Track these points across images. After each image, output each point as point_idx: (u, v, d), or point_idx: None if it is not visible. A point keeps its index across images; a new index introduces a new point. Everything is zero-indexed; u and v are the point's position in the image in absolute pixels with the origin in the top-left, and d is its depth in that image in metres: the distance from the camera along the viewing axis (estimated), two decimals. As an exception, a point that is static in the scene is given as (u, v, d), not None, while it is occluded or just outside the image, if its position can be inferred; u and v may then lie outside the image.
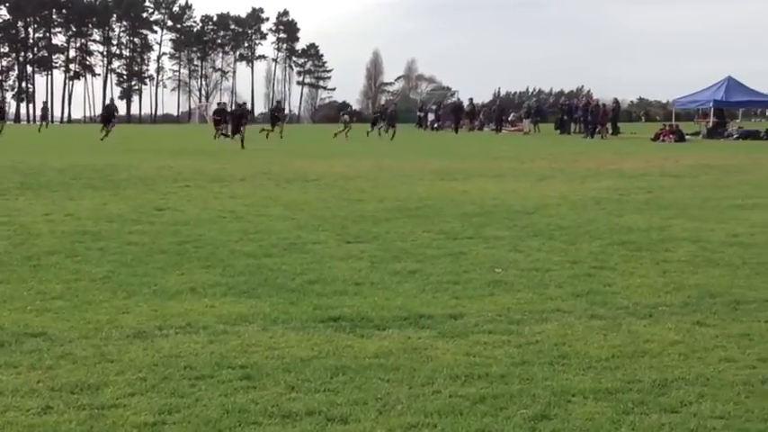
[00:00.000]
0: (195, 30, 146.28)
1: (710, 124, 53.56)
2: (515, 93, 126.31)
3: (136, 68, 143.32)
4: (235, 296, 8.61)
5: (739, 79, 56.17)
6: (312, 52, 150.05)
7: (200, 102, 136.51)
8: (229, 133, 43.35)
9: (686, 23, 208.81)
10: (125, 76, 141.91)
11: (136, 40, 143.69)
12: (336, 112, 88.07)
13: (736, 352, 6.72)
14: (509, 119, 68.67)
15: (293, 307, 8.16)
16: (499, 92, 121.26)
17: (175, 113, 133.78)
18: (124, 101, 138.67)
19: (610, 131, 51.73)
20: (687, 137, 47.55)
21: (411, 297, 8.58)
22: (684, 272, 9.81)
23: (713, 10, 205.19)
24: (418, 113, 77.25)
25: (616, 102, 56.94)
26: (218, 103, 57.10)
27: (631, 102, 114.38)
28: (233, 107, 54.99)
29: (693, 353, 6.70)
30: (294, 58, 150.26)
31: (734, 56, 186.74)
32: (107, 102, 58.90)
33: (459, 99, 77.46)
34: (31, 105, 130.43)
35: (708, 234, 12.48)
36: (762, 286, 9.03)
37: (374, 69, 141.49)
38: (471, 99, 71.07)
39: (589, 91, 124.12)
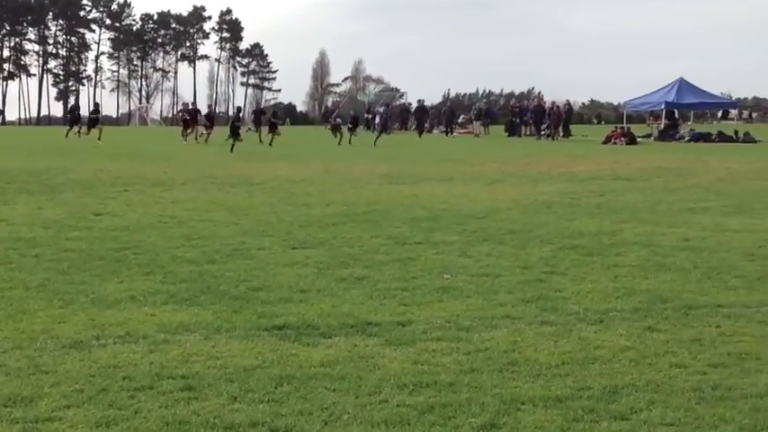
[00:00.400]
0: (135, 28, 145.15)
1: (662, 126, 54.18)
2: (465, 94, 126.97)
3: (73, 69, 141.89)
4: (176, 304, 8.56)
5: (691, 81, 56.87)
6: (256, 52, 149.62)
7: (140, 103, 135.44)
8: (203, 133, 44.42)
9: (638, 24, 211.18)
10: (62, 77, 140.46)
11: (73, 39, 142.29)
12: (283, 115, 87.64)
13: (687, 358, 6.80)
14: (459, 121, 68.93)
15: (236, 315, 8.13)
16: (449, 93, 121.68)
17: (114, 115, 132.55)
18: (61, 102, 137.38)
19: (561, 134, 52.18)
20: (639, 139, 48.11)
21: (358, 304, 8.58)
22: (635, 277, 9.92)
23: (665, 11, 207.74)
24: (366, 115, 77.24)
25: (568, 104, 57.43)
26: (191, 103, 56.34)
27: (583, 104, 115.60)
28: (205, 109, 54.48)
29: (644, 359, 6.77)
30: (238, 58, 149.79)
31: (685, 57, 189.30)
32: (91, 103, 59.48)
33: (407, 101, 77.68)
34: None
35: (659, 238, 12.63)
36: (712, 291, 9.16)
37: (320, 70, 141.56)
38: (422, 101, 71.11)
39: (540, 93, 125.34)
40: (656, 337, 7.41)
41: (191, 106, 52.97)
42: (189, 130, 46.71)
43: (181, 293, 8.98)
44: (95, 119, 45.77)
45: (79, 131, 46.39)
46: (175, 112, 54.48)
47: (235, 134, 38.94)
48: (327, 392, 5.99)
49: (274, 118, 47.25)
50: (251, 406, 5.72)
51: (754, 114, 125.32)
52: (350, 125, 45.99)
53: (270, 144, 40.99)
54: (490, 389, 6.06)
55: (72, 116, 51.51)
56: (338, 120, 47.62)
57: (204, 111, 52.31)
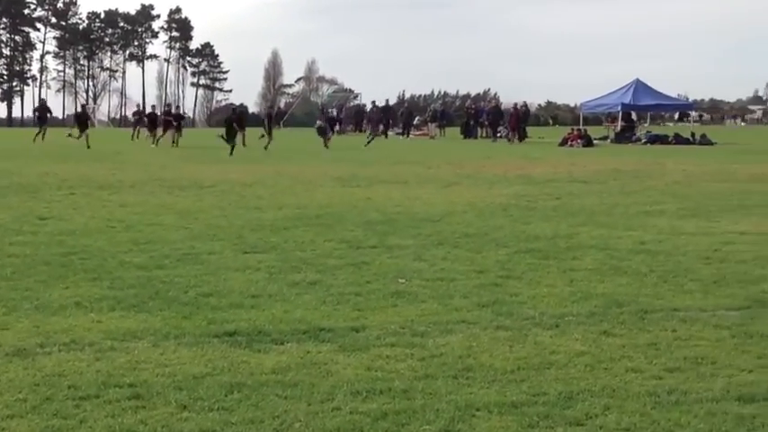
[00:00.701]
0: (81, 27, 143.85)
1: (618, 128, 54.58)
2: (420, 95, 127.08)
3: (17, 68, 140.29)
4: (123, 310, 8.50)
5: (647, 82, 57.31)
6: (207, 52, 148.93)
7: (87, 103, 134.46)
8: (155, 138, 43.55)
9: (594, 25, 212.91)
10: (5, 77, 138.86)
11: (17, 38, 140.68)
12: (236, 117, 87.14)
13: (643, 362, 6.86)
14: (414, 122, 69.07)
15: (186, 321, 8.08)
16: (404, 94, 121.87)
17: (61, 116, 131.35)
18: (5, 103, 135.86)
19: (517, 136, 52.44)
20: (595, 141, 48.44)
21: (311, 309, 8.57)
22: (591, 280, 9.99)
23: (621, 12, 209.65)
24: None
25: (525, 105, 57.72)
26: (152, 107, 55.43)
27: (539, 105, 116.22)
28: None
29: (600, 364, 6.82)
30: (188, 58, 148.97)
31: (641, 58, 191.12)
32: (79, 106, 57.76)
33: (362, 102, 77.72)
34: None
35: (615, 241, 12.74)
36: (668, 295, 9.25)
37: (273, 70, 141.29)
38: (388, 102, 71.02)
39: (496, 94, 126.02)
40: (611, 341, 7.47)
41: (150, 109, 52.51)
42: (152, 134, 45.61)
43: (128, 299, 8.91)
44: (84, 122, 45.31)
45: (42, 134, 46.05)
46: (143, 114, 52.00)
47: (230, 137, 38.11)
48: (279, 400, 5.97)
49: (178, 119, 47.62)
50: (200, 414, 5.70)
51: (708, 117, 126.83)
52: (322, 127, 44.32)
53: (243, 145, 40.70)
54: (445, 395, 6.07)
55: (40, 117, 50.23)
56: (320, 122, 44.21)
57: (160, 110, 51.57)
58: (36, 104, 52.39)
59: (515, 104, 55.99)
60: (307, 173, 25.94)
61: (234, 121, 39.38)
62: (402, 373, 6.59)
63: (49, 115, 51.89)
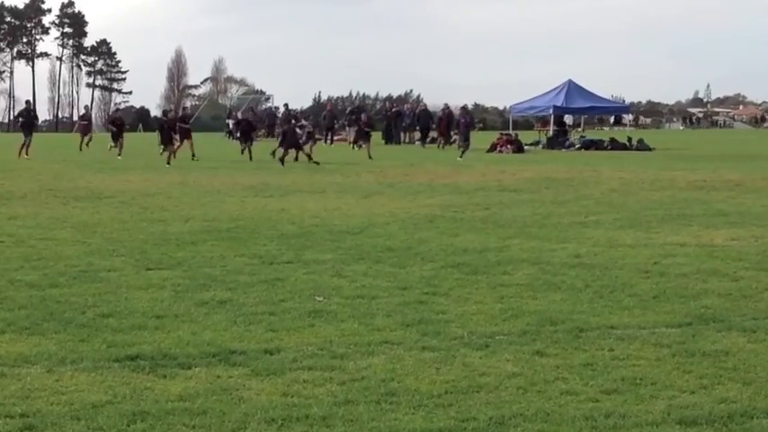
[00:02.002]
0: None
1: (551, 133, 55.04)
2: (338, 97, 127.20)
3: None
4: (14, 333, 8.38)
5: (580, 83, 57.77)
6: (103, 50, 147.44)
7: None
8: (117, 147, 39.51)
9: (524, 21, 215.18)
10: None
11: None
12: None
13: (579, 384, 6.96)
14: (335, 127, 68.96)
15: (84, 344, 8.00)
16: (319, 96, 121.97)
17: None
18: None
19: (443, 141, 52.66)
20: (526, 147, 48.87)
21: (220, 330, 8.54)
22: (523, 297, 10.09)
23: (552, 9, 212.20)
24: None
25: (447, 108, 57.92)
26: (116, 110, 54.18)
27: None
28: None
29: (533, 386, 6.90)
30: (82, 57, 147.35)
31: (574, 56, 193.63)
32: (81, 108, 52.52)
33: (273, 105, 77.48)
34: None
35: (548, 255, 12.88)
36: (605, 311, 9.38)
37: (177, 70, 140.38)
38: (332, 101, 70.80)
39: (419, 96, 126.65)
40: (545, 362, 7.55)
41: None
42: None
43: (20, 321, 8.79)
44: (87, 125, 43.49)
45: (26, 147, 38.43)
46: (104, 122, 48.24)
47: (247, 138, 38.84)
48: (186, 430, 5.94)
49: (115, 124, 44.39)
50: (100, 447, 5.64)
51: (648, 120, 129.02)
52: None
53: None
54: (367, 422, 6.09)
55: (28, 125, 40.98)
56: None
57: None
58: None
59: (446, 106, 56.16)
60: (215, 182, 25.81)
61: (113, 123, 39.49)
62: (320, 398, 6.59)
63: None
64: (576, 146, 50.78)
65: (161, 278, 11.07)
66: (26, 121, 40.54)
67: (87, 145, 45.85)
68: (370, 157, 37.99)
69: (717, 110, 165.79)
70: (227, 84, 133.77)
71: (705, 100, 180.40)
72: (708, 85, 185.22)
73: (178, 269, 11.73)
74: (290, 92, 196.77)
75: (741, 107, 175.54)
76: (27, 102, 47.69)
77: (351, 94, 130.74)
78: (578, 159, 36.64)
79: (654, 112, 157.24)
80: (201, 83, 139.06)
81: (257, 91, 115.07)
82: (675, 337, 8.29)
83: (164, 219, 17.03)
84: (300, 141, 35.37)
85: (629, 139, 51.29)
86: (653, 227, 15.90)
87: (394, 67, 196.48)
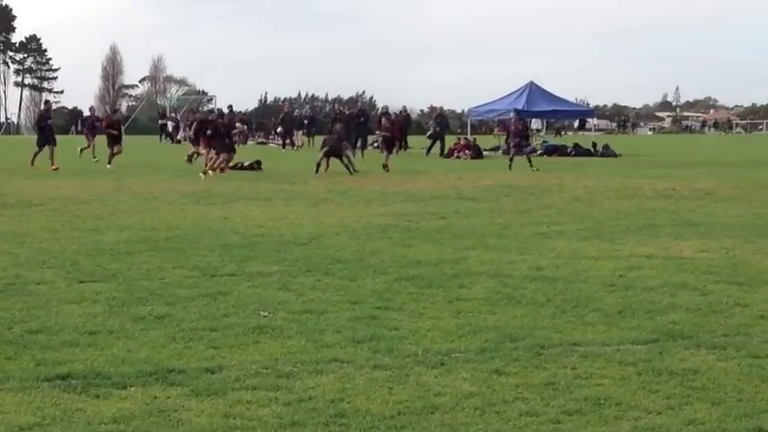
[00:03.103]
0: None
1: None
2: (285, 98, 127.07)
3: None
4: (-65, 351, 8.31)
5: (543, 85, 57.98)
6: (33, 46, 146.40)
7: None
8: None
9: (483, 20, 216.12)
10: None
11: None
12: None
13: (539, 404, 6.99)
14: (277, 130, 68.88)
15: (10, 363, 7.94)
16: (266, 97, 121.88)
17: None
18: None
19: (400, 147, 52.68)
20: (485, 153, 49.04)
21: (158, 348, 8.50)
22: (481, 312, 10.13)
23: (513, 4, 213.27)
24: (159, 122, 76.34)
25: (405, 111, 58.04)
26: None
27: (421, 111, 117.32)
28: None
29: (491, 407, 6.92)
30: (10, 53, 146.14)
31: (536, 56, 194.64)
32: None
33: (216, 106, 77.05)
34: None
35: (508, 267, 12.94)
36: (568, 327, 9.44)
37: (112, 68, 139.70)
38: (288, 104, 70.39)
39: (372, 98, 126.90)
40: (504, 381, 7.58)
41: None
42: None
43: (-59, 338, 8.72)
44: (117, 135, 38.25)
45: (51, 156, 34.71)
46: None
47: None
48: (121, 454, 5.91)
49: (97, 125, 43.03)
50: (28, 473, 5.61)
51: (615, 125, 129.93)
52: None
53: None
54: (315, 445, 6.09)
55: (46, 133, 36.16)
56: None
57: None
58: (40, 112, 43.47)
59: (404, 108, 56.19)
60: (153, 188, 25.70)
61: (112, 127, 38.37)
62: (265, 420, 6.59)
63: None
64: (538, 151, 50.97)
65: (94, 291, 11.01)
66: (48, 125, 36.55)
67: (83, 151, 42.62)
68: (385, 168, 34.02)
69: (686, 114, 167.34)
70: (166, 83, 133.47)
71: (674, 103, 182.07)
72: (677, 88, 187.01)
73: (113, 282, 11.66)
74: (235, 93, 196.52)
75: (712, 111, 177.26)
76: (46, 102, 46.00)
77: (300, 95, 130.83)
78: (540, 166, 36.77)
79: (620, 116, 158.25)
80: (139, 82, 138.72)
81: (199, 91, 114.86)
82: (641, 355, 8.36)
83: (97, 228, 16.94)
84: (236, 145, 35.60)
85: (594, 145, 51.68)
86: (618, 238, 16.01)
87: (345, 67, 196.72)
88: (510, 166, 36.26)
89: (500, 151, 52.85)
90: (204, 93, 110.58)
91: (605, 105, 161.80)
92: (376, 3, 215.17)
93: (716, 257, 13.83)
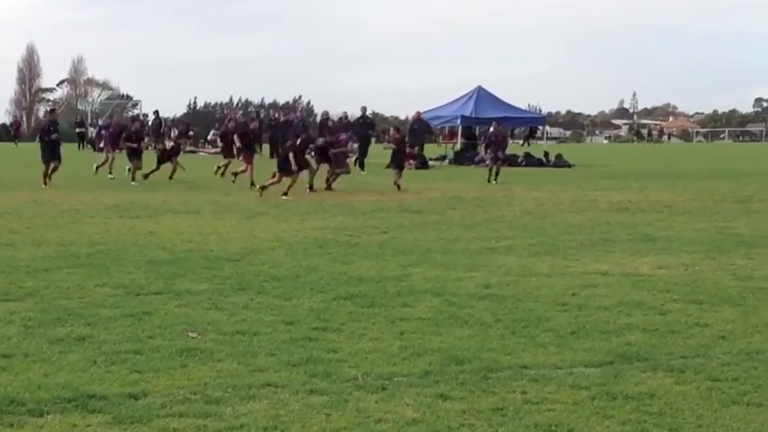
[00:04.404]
0: None
1: (458, 147, 55.29)
2: (216, 104, 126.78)
3: None
4: None
5: (492, 90, 58.05)
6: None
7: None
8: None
9: (427, 21, 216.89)
10: None
11: None
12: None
13: (487, 431, 7.02)
14: (208, 137, 68.74)
15: None
16: (195, 102, 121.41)
17: None
18: None
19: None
20: (431, 162, 49.10)
21: (78, 372, 8.46)
22: (426, 333, 10.16)
23: (458, 6, 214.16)
24: (77, 130, 75.64)
25: (346, 117, 57.92)
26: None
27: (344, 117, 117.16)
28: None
29: (436, 434, 6.95)
30: None
31: (484, 61, 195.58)
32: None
33: (141, 112, 76.80)
34: None
35: (454, 285, 12.98)
36: (517, 349, 9.49)
37: (28, 70, 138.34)
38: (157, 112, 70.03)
39: (309, 102, 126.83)
40: (449, 406, 7.61)
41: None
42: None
43: None
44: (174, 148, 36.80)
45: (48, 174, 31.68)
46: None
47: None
48: (37, 487, 5.87)
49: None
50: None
51: (568, 133, 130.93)
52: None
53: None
54: (246, 476, 6.08)
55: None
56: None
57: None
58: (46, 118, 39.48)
59: (345, 113, 56.01)
60: (73, 200, 25.53)
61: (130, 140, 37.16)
62: (193, 449, 6.57)
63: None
64: (487, 161, 51.14)
65: (8, 311, 10.93)
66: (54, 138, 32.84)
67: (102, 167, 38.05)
68: (398, 187, 30.98)
69: (644, 121, 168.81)
70: (87, 87, 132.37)
71: (631, 110, 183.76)
72: (634, 94, 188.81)
73: (29, 301, 11.58)
74: (162, 97, 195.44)
75: (671, 119, 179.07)
76: (52, 111, 41.94)
77: (231, 99, 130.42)
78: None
79: (574, 124, 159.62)
80: (57, 85, 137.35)
81: (122, 96, 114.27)
82: (595, 378, 8.43)
83: (12, 242, 16.81)
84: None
85: (546, 155, 51.89)
86: (572, 254, 16.12)
87: (280, 71, 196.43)
88: (489, 179, 35.96)
89: (446, 161, 52.99)
90: (129, 97, 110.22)
91: (558, 112, 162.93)
92: (310, 3, 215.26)
93: (674, 274, 13.96)
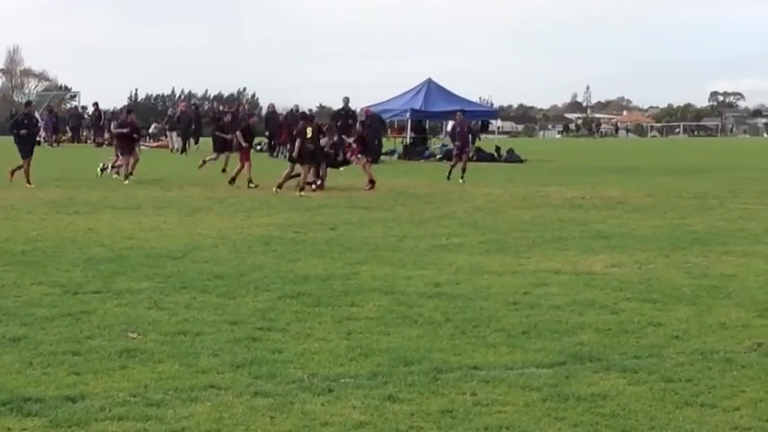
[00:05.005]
0: None
1: (408, 141, 55.33)
2: (158, 95, 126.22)
3: None
4: None
5: (442, 83, 57.89)
6: None
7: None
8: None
9: (375, 11, 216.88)
10: None
11: None
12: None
13: (436, 434, 7.05)
14: (149, 131, 68.40)
15: None
16: (136, 94, 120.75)
17: None
18: None
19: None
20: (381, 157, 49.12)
21: (13, 374, 8.40)
22: (374, 333, 10.17)
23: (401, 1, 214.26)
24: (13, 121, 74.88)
25: (297, 110, 57.59)
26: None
27: (309, 111, 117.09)
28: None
29: (383, 437, 6.96)
30: None
31: (433, 53, 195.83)
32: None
33: (80, 104, 76.29)
34: None
35: (403, 283, 13.01)
36: (468, 349, 9.51)
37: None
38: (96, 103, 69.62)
39: (254, 95, 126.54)
40: (398, 408, 7.62)
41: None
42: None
43: None
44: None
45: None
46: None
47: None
48: (-30, 494, 5.84)
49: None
50: None
51: (520, 127, 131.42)
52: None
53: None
54: (188, 481, 6.07)
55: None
56: None
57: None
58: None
59: (299, 110, 55.66)
60: (9, 196, 25.34)
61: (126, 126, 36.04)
62: (133, 454, 6.55)
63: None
64: (437, 156, 51.17)
65: (-59, 311, 10.87)
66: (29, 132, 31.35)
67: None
68: (372, 184, 29.97)
69: (598, 115, 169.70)
70: (23, 78, 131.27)
71: (585, 104, 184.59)
72: (587, 87, 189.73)
73: (-38, 300, 11.52)
74: (101, 88, 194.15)
75: (625, 113, 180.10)
76: (28, 103, 38.50)
77: (173, 91, 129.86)
78: (439, 172, 36.94)
79: (527, 118, 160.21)
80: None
81: (60, 87, 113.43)
82: (547, 379, 8.47)
83: (-55, 239, 16.69)
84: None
85: (498, 149, 52.02)
86: (523, 251, 16.18)
87: (225, 62, 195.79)
88: (449, 175, 34.35)
89: (395, 155, 53.00)
90: (67, 88, 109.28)
91: (510, 106, 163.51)
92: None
93: (628, 273, 14.05)
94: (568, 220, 21.21)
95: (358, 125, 37.22)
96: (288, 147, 30.28)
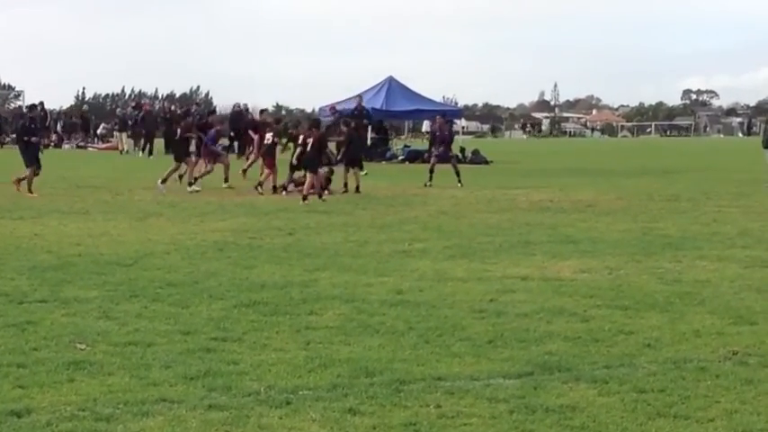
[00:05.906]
0: None
1: (368, 141, 55.29)
2: (107, 95, 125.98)
3: None
4: None
5: (403, 81, 57.87)
6: None
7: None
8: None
9: (332, 4, 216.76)
10: None
11: None
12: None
13: (399, 448, 7.07)
14: (98, 132, 68.22)
15: None
16: (83, 93, 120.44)
17: None
18: None
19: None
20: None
21: (-45, 388, 8.38)
22: (334, 342, 10.17)
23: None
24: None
25: (246, 111, 57.59)
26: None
27: (265, 110, 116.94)
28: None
29: (344, 451, 6.97)
30: None
31: (395, 50, 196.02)
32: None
33: (24, 103, 75.83)
34: None
35: (364, 291, 13.01)
36: (431, 359, 9.53)
37: None
38: (42, 103, 69.22)
39: (208, 94, 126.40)
40: (359, 421, 7.63)
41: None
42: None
43: None
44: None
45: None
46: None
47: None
48: None
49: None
50: None
51: (487, 127, 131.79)
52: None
53: None
54: (140, 500, 6.06)
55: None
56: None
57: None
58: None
59: (236, 106, 55.64)
60: (-51, 199, 25.21)
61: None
62: (82, 471, 6.53)
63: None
64: (399, 157, 51.25)
65: None
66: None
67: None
68: (358, 191, 30.06)
69: (566, 115, 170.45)
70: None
71: (553, 103, 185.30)
72: (555, 86, 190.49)
73: None
74: (47, 87, 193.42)
75: (595, 112, 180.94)
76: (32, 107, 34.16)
77: (124, 90, 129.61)
78: (401, 174, 37.06)
79: (492, 117, 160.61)
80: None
81: (4, 86, 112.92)
82: (514, 390, 8.49)
83: None
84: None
85: (463, 150, 52.01)
86: (489, 257, 16.22)
87: (176, 60, 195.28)
88: (430, 178, 33.31)
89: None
90: (10, 87, 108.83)
91: (475, 105, 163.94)
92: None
93: (598, 279, 14.11)
94: (536, 223, 21.27)
95: (342, 124, 37.66)
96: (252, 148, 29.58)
